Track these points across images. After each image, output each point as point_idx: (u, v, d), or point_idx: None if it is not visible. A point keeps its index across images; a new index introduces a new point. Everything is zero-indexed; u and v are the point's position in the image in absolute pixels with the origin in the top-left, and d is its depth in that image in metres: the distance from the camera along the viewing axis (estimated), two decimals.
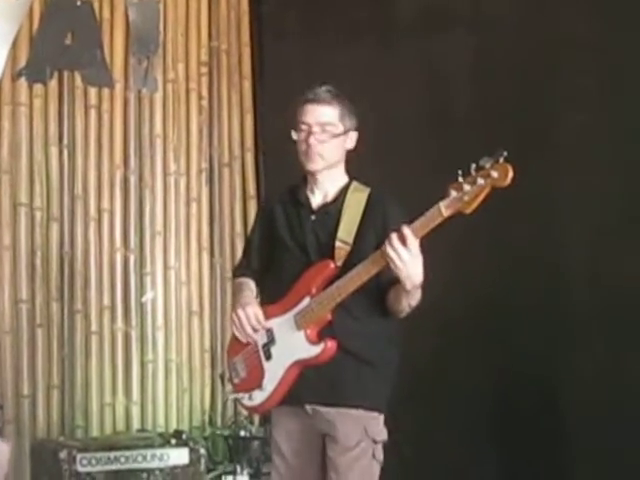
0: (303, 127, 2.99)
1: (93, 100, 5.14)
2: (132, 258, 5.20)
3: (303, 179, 3.08)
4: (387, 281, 2.84)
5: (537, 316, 4.09)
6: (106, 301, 5.10)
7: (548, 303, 4.07)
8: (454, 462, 4.33)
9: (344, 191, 3.03)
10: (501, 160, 2.55)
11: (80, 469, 4.30)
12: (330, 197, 3.04)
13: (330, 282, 2.87)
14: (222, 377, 4.49)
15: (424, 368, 4.22)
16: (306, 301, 2.89)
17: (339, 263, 2.89)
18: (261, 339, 2.98)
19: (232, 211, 5.51)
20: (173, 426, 5.10)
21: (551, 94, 4.13)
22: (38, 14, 5.00)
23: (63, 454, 4.30)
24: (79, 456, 4.31)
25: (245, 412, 4.81)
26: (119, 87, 5.21)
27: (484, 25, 4.45)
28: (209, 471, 4.69)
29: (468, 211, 2.62)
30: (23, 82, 4.97)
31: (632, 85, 3.87)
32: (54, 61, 5.03)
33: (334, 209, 3.00)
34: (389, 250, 2.69)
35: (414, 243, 2.68)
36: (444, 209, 2.64)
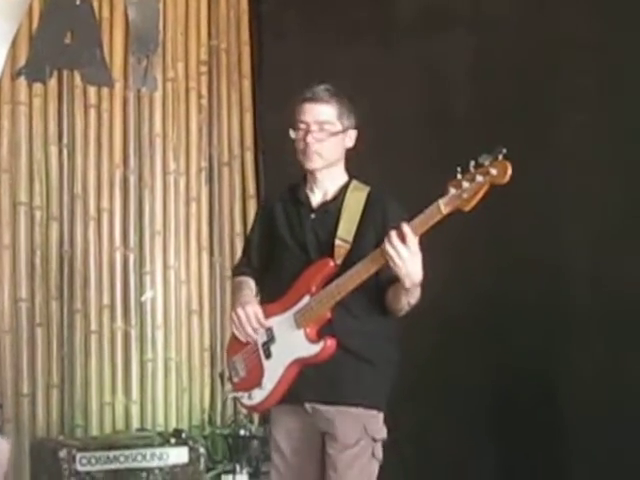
0: (301, 126, 2.99)
1: (93, 99, 5.14)
2: (132, 257, 5.20)
3: (303, 178, 3.08)
4: (386, 279, 2.84)
5: (536, 314, 4.09)
6: (106, 300, 5.10)
7: (547, 301, 4.07)
8: (454, 460, 4.33)
9: (344, 190, 3.03)
10: (500, 157, 2.55)
11: (80, 468, 4.30)
12: (330, 195, 3.04)
13: (330, 280, 2.87)
14: (222, 376, 4.48)
15: (424, 366, 4.22)
16: (306, 299, 2.89)
17: (339, 261, 2.89)
18: (261, 338, 2.98)
19: (232, 210, 5.52)
20: (172, 425, 5.11)
21: (551, 94, 4.13)
22: (38, 13, 5.00)
23: (63, 453, 4.31)
24: (79, 455, 4.31)
25: (245, 411, 4.82)
26: (119, 86, 5.21)
27: (484, 25, 4.45)
28: (208, 470, 4.69)
29: (467, 208, 2.62)
30: (23, 81, 4.97)
31: (632, 85, 3.87)
32: (53, 60, 5.03)
33: (334, 207, 3.00)
34: (388, 248, 2.69)
35: (413, 241, 2.68)
36: (443, 206, 2.64)
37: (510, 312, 4.15)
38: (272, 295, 3.02)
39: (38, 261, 4.95)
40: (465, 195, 2.60)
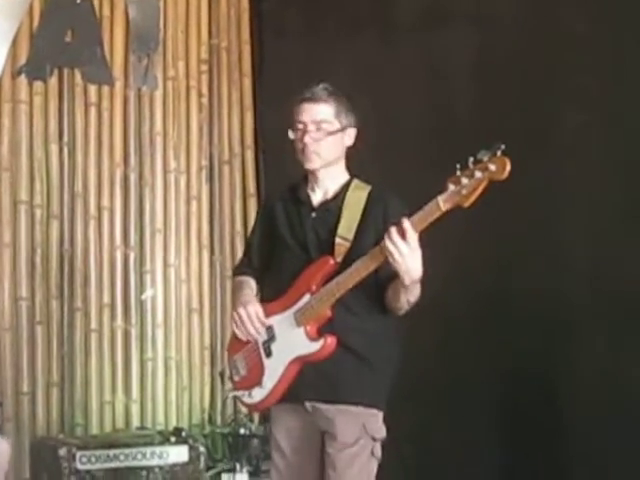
0: (299, 126, 3.00)
1: (93, 98, 5.14)
2: (132, 256, 5.20)
3: (304, 177, 3.08)
4: (386, 277, 2.84)
5: (537, 313, 4.08)
6: (106, 299, 5.11)
7: (548, 301, 4.06)
8: (453, 460, 4.33)
9: (345, 188, 3.03)
10: (499, 153, 2.55)
11: (80, 467, 4.30)
12: (331, 194, 3.04)
13: (330, 278, 2.87)
14: (222, 375, 4.50)
15: (424, 365, 4.22)
16: (306, 298, 2.90)
17: (339, 259, 2.89)
18: (261, 337, 2.98)
19: (232, 209, 5.51)
20: (173, 424, 5.11)
21: (552, 93, 4.13)
22: (38, 11, 5.00)
23: (63, 452, 4.30)
24: (79, 454, 4.31)
25: (245, 410, 4.82)
26: (119, 85, 5.21)
27: (486, 22, 4.45)
28: (208, 469, 4.69)
29: (466, 205, 2.62)
30: (23, 79, 4.97)
31: (632, 85, 3.86)
32: (54, 58, 5.03)
33: (334, 206, 3.00)
34: (388, 244, 2.69)
35: (413, 237, 2.68)
36: (442, 203, 2.64)
37: (510, 312, 4.15)
38: (273, 294, 3.02)
39: (38, 260, 4.95)
40: (464, 191, 2.60)
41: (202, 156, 5.45)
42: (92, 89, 5.14)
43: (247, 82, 5.61)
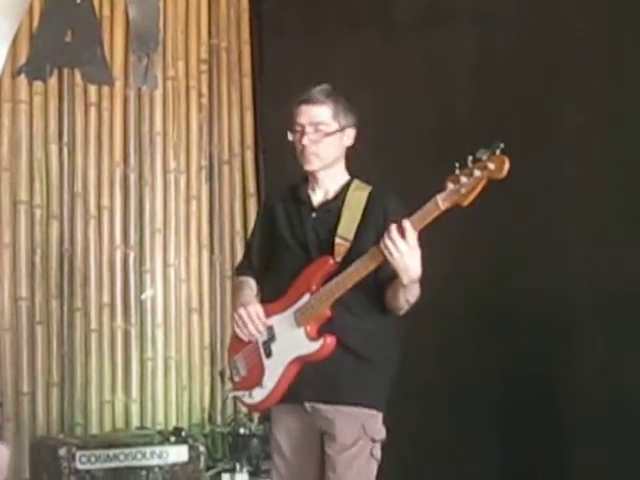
0: (298, 128, 3.00)
1: (93, 97, 5.14)
2: (132, 255, 5.20)
3: (304, 177, 3.09)
4: (386, 277, 2.84)
5: (537, 313, 4.08)
6: (106, 299, 5.10)
7: (547, 301, 4.07)
8: (453, 460, 4.33)
9: (345, 189, 3.03)
10: (497, 152, 2.56)
11: (79, 466, 4.30)
12: (331, 195, 3.04)
13: (330, 278, 2.87)
14: (222, 374, 4.49)
15: (424, 366, 4.22)
16: (306, 298, 2.90)
17: (338, 259, 2.90)
18: (262, 337, 2.98)
19: (232, 209, 5.51)
20: (172, 423, 5.10)
21: (553, 93, 4.13)
22: (38, 11, 5.00)
23: (62, 451, 4.30)
24: (78, 453, 4.31)
25: (245, 409, 4.81)
26: (119, 85, 5.21)
27: (486, 22, 4.45)
28: (208, 469, 4.69)
29: (465, 203, 2.62)
30: (23, 79, 4.97)
31: (633, 85, 3.87)
32: (54, 58, 5.03)
33: (335, 206, 3.00)
34: (387, 242, 2.69)
35: (412, 235, 2.69)
36: (441, 202, 2.65)
37: (510, 312, 4.15)
38: (273, 294, 3.02)
39: (38, 259, 4.95)
40: (463, 190, 2.61)
41: (202, 156, 5.45)
42: (92, 89, 5.13)
43: (247, 82, 5.61)
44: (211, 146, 5.49)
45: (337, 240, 2.93)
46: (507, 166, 2.54)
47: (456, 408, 4.31)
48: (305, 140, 2.97)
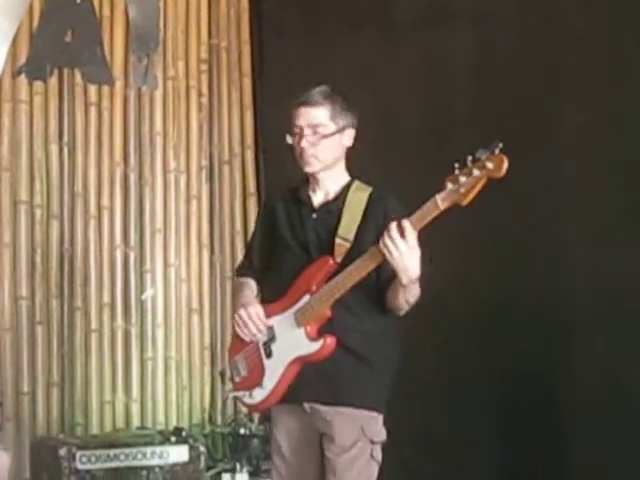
0: (296, 130, 3.01)
1: (93, 97, 5.14)
2: (132, 255, 5.20)
3: (305, 179, 3.09)
4: (386, 278, 2.84)
5: (537, 313, 4.08)
6: (106, 298, 5.11)
7: (548, 300, 4.07)
8: (454, 461, 4.33)
9: (346, 190, 3.03)
10: (496, 151, 2.56)
11: (80, 466, 4.30)
12: (332, 195, 3.04)
13: (330, 278, 2.87)
14: (222, 375, 4.50)
15: (424, 366, 4.22)
16: (306, 298, 2.90)
17: (339, 259, 2.90)
18: (262, 337, 2.98)
19: (232, 208, 5.51)
20: (173, 423, 5.10)
21: (553, 93, 4.13)
22: (38, 11, 5.00)
23: (63, 451, 4.30)
24: (79, 453, 4.31)
25: (245, 410, 4.81)
26: (119, 84, 5.21)
27: (486, 22, 4.45)
28: (209, 469, 4.69)
29: (465, 203, 2.62)
30: (23, 79, 4.97)
31: (633, 84, 3.87)
32: (54, 58, 5.03)
33: (335, 207, 3.00)
34: (387, 241, 2.70)
35: (412, 235, 2.69)
36: (440, 201, 2.65)
37: (510, 312, 4.15)
38: (273, 295, 3.02)
39: (38, 259, 4.95)
40: (462, 190, 2.61)
41: (202, 156, 5.45)
42: (92, 89, 5.14)
43: (247, 82, 5.61)
44: (211, 146, 5.49)
45: (337, 240, 2.93)
46: (506, 165, 2.55)
47: (456, 408, 4.31)
48: (304, 142, 2.97)
